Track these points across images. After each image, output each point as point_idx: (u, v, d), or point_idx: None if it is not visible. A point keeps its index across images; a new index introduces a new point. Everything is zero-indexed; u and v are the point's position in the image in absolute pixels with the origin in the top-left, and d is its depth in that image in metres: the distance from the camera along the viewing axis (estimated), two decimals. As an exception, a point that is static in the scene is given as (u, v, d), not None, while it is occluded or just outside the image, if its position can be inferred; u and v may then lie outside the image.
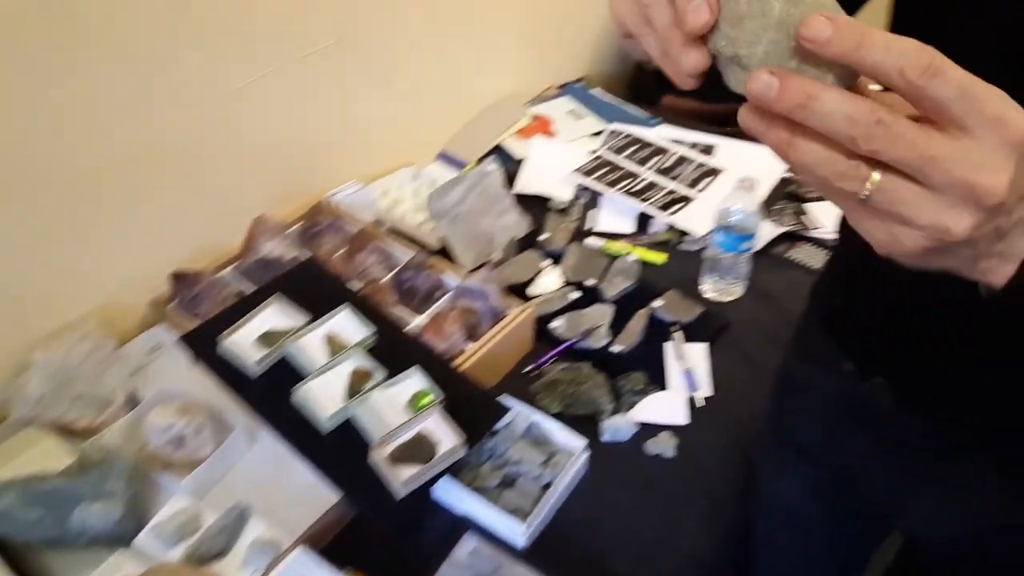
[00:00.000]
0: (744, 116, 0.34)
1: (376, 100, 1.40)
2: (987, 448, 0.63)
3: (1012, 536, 0.66)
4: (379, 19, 1.33)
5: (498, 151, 1.61)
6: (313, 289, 1.08)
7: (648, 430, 1.10)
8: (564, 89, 1.81)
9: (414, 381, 0.97)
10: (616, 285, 1.30)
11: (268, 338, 1.00)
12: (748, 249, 1.25)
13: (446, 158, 1.58)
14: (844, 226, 0.75)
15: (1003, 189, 0.32)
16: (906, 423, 0.68)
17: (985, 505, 0.66)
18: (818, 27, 0.31)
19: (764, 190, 1.51)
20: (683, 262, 1.38)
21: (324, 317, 1.02)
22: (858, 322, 0.71)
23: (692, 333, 1.24)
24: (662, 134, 1.66)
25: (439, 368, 0.99)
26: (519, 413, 1.03)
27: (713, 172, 1.55)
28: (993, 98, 0.31)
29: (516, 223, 1.40)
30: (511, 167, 1.57)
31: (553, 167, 1.55)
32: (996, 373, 0.58)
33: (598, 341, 1.21)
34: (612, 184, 1.52)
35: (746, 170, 1.52)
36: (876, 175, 0.33)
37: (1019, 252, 0.36)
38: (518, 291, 1.29)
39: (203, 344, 1.02)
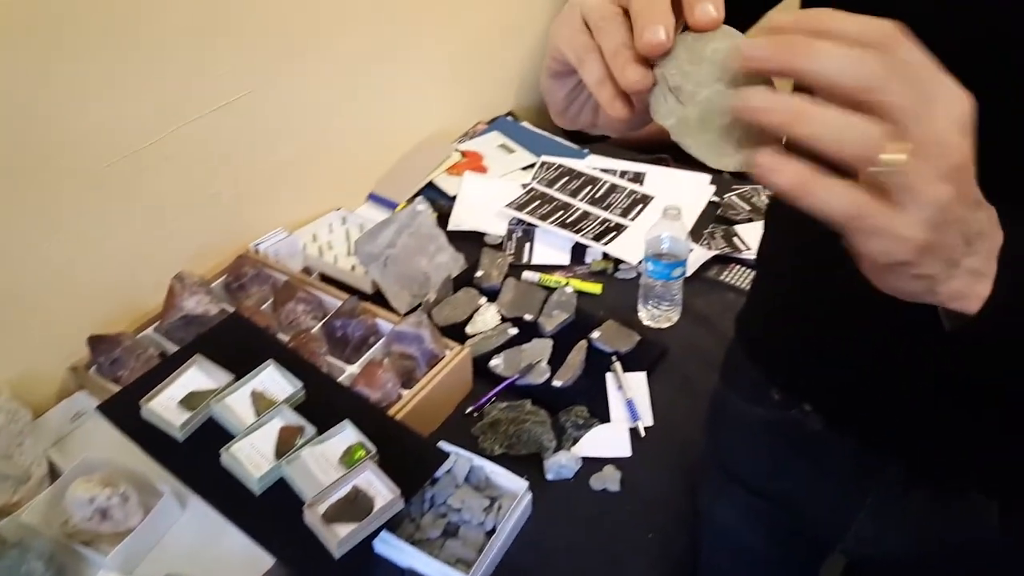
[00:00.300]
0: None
1: (299, 145, 1.38)
2: (918, 468, 0.64)
3: (949, 552, 0.66)
4: (297, 66, 1.32)
5: (430, 189, 1.60)
6: (238, 345, 1.04)
7: (593, 465, 1.09)
8: (493, 124, 1.82)
9: (346, 435, 0.94)
10: (554, 318, 1.30)
11: (191, 400, 0.97)
12: (680, 275, 1.26)
13: (376, 199, 1.57)
14: (762, 255, 0.76)
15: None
16: (837, 446, 0.68)
17: (921, 523, 0.66)
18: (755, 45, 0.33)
19: (693, 215, 1.53)
20: (620, 290, 1.39)
21: (249, 374, 0.98)
22: (780, 350, 0.71)
23: (631, 362, 1.24)
24: (592, 164, 1.68)
25: (373, 419, 0.97)
26: (459, 458, 1.01)
27: (644, 199, 1.57)
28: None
29: (451, 262, 1.39)
30: (444, 204, 1.56)
31: (486, 202, 1.55)
32: (919, 394, 0.58)
33: (539, 377, 1.20)
34: (545, 216, 1.52)
35: (675, 196, 1.55)
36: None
37: (991, 269, 0.37)
38: (456, 331, 1.28)
39: (123, 411, 0.98)
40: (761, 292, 0.76)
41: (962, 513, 0.63)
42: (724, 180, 1.63)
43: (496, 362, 1.22)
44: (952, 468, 0.62)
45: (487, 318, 1.29)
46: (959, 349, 0.44)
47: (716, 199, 1.59)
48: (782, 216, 0.70)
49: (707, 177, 1.64)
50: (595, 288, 1.39)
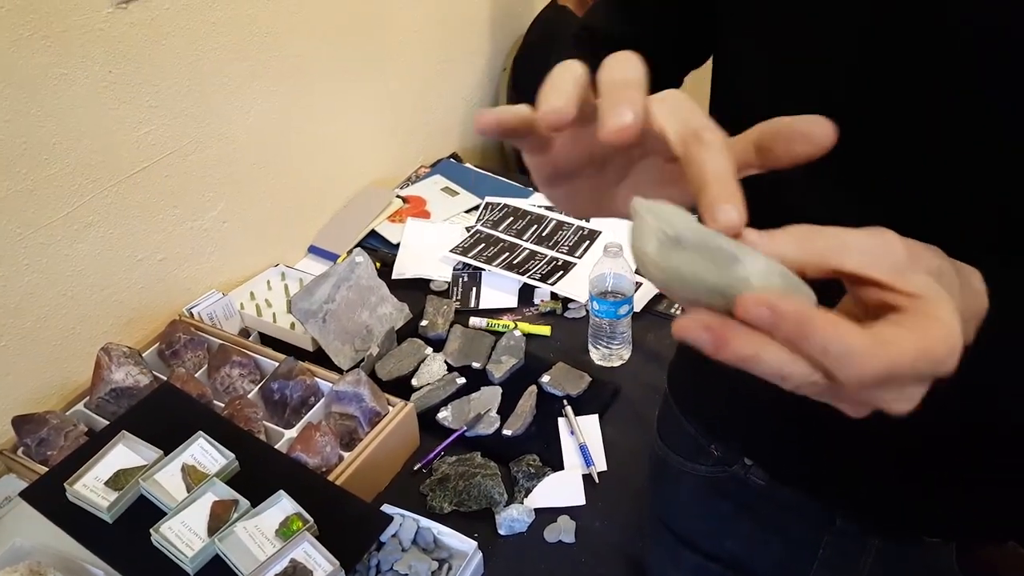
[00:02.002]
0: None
1: (231, 201, 1.37)
2: (868, 518, 0.64)
3: None
4: (223, 122, 1.31)
5: (373, 237, 1.60)
6: (168, 417, 1.02)
7: (546, 515, 1.08)
8: (436, 167, 1.83)
9: (282, 506, 0.92)
10: (503, 364, 1.29)
11: (118, 480, 0.94)
12: (628, 312, 1.27)
13: (316, 252, 1.56)
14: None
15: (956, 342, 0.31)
16: (783, 501, 0.67)
17: (876, 572, 0.65)
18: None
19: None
20: (570, 330, 1.39)
21: (179, 448, 0.96)
22: (712, 403, 0.71)
23: (583, 405, 1.24)
24: (538, 202, 1.69)
25: (311, 486, 0.95)
26: (405, 520, 0.99)
27: (592, 235, 1.58)
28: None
29: (394, 312, 1.38)
30: (388, 253, 1.56)
31: (430, 248, 1.56)
32: (859, 444, 0.58)
33: (488, 427, 1.19)
34: (491, 259, 1.53)
35: (623, 230, 1.57)
36: None
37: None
38: (402, 384, 1.26)
39: (48, 495, 0.95)
40: (685, 346, 0.75)
41: (918, 558, 0.63)
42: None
43: (444, 414, 1.21)
44: (903, 516, 0.61)
45: (433, 369, 1.28)
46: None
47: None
48: None
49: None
50: (544, 330, 1.39)
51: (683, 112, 0.34)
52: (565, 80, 0.34)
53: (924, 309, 0.30)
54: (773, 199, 0.49)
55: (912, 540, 0.62)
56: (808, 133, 0.33)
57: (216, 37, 1.25)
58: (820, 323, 0.28)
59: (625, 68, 0.34)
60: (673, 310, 1.42)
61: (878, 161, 0.46)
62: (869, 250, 0.31)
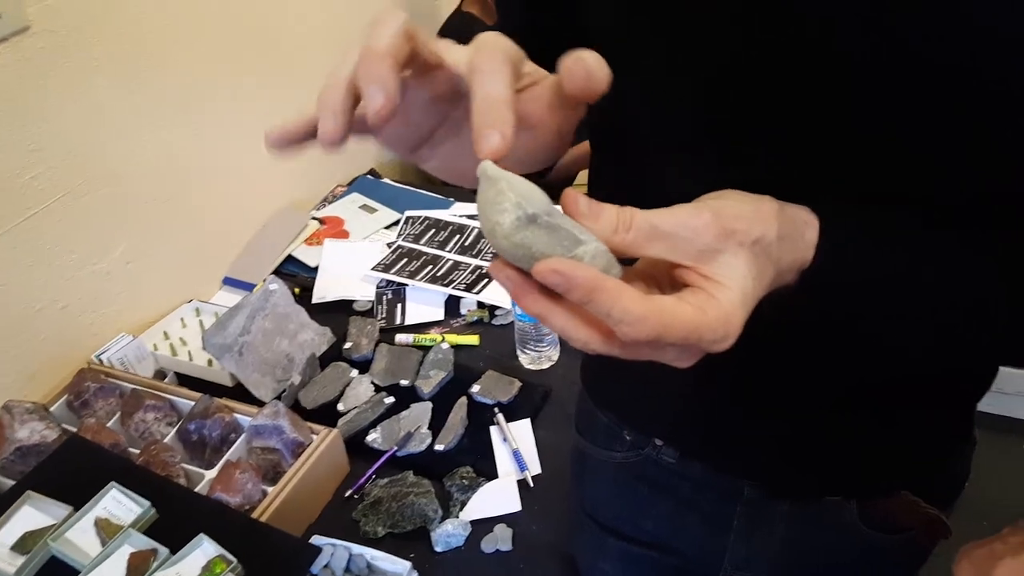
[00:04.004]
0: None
1: (135, 239, 1.35)
2: (773, 485, 0.66)
3: (819, 555, 0.69)
4: (118, 160, 1.29)
5: (290, 263, 1.58)
6: (78, 472, 1.00)
7: (483, 526, 1.08)
8: (352, 185, 1.83)
9: (204, 549, 0.90)
10: (432, 379, 1.30)
11: (25, 543, 0.91)
12: (550, 313, 1.28)
13: (231, 283, 1.54)
14: None
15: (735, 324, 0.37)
16: (693, 476, 0.70)
17: (788, 535, 0.69)
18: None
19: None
20: (498, 338, 1.40)
21: (90, 502, 0.94)
22: (619, 389, 0.73)
23: (515, 411, 1.25)
24: (458, 212, 1.70)
25: (234, 526, 0.94)
26: (336, 549, 0.99)
27: (513, 239, 1.59)
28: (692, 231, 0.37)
29: (316, 338, 1.37)
30: (307, 277, 1.55)
31: (350, 268, 1.55)
32: (755, 414, 0.61)
33: (419, 444, 1.19)
34: (414, 273, 1.53)
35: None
36: None
37: (807, 230, 0.42)
38: (328, 411, 1.26)
39: (-48, 568, 0.92)
40: None
41: (823, 517, 0.67)
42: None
43: (373, 437, 1.20)
44: (804, 479, 0.65)
45: (359, 392, 1.28)
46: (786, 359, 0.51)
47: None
48: None
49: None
50: (473, 339, 1.40)
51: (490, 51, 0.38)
52: (382, 67, 0.36)
53: (712, 292, 0.37)
54: (653, 174, 0.54)
55: (816, 501, 0.66)
56: (573, 72, 0.37)
57: (99, 73, 1.22)
58: (606, 290, 0.34)
59: (495, 71, 0.37)
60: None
61: (750, 140, 0.49)
62: (676, 235, 0.37)
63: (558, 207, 0.37)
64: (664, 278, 0.40)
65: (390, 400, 1.27)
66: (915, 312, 0.45)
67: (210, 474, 1.06)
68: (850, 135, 0.45)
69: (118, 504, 0.95)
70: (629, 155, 0.59)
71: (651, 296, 0.35)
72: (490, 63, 0.37)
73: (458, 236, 1.63)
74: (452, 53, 0.40)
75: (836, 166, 0.46)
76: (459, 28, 1.96)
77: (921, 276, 0.44)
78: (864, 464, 0.63)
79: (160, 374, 1.32)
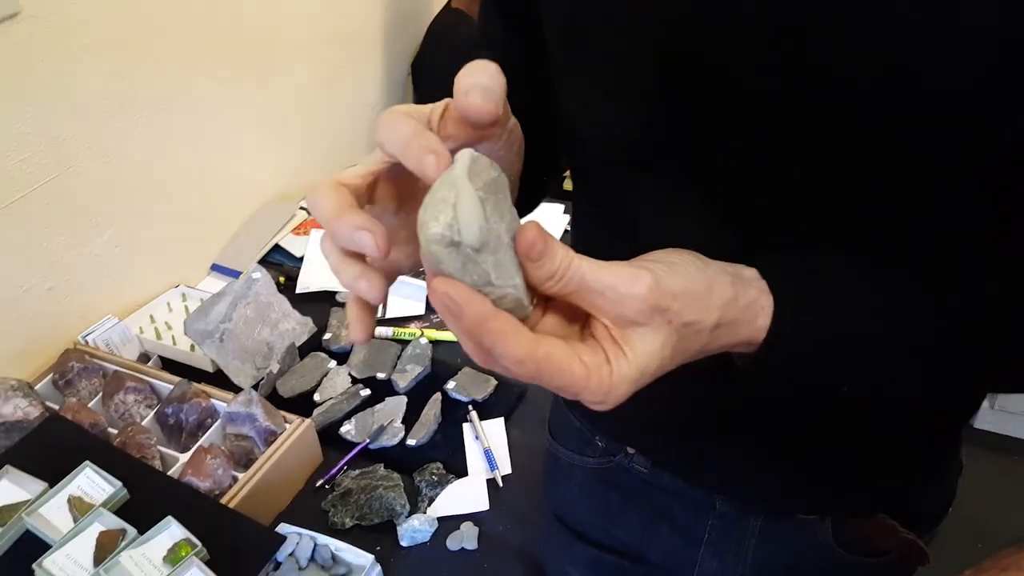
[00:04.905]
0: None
1: (124, 223, 1.38)
2: (745, 501, 0.68)
3: (791, 572, 0.70)
4: (110, 140, 1.32)
5: (277, 252, 1.62)
6: (56, 449, 1.03)
7: (450, 523, 1.12)
8: (345, 175, 1.85)
9: (171, 532, 0.94)
10: (408, 373, 1.33)
11: (2, 515, 0.95)
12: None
13: (219, 270, 1.58)
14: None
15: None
16: (665, 486, 0.71)
17: (759, 550, 0.69)
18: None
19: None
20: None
21: (64, 479, 0.98)
22: None
23: (489, 409, 1.28)
24: (448, 207, 1.73)
25: (202, 510, 0.97)
26: (301, 538, 1.02)
27: (500, 238, 1.62)
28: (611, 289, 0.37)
29: (298, 328, 1.41)
30: (293, 267, 1.58)
31: (337, 260, 1.58)
32: (729, 431, 0.62)
33: (392, 438, 1.23)
34: (400, 267, 1.56)
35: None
36: None
37: (756, 313, 0.42)
38: (305, 400, 1.29)
39: (-70, 537, 0.96)
40: None
41: (796, 534, 0.67)
42: (579, 210, 1.70)
43: (347, 428, 1.24)
44: (776, 495, 0.65)
45: (337, 383, 1.31)
46: (756, 386, 0.51)
47: (570, 228, 1.66)
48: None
49: (560, 206, 1.71)
50: (451, 335, 1.43)
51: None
52: (346, 230, 0.39)
53: (611, 357, 0.38)
54: (615, 199, 0.57)
55: (789, 519, 0.66)
56: (464, 108, 0.38)
57: (91, 59, 1.25)
58: (490, 330, 0.36)
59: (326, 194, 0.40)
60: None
61: (703, 164, 0.50)
62: (603, 295, 0.38)
63: (523, 222, 0.37)
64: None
65: (366, 392, 1.31)
66: (877, 373, 0.46)
67: (184, 458, 1.10)
68: (806, 153, 0.45)
69: (91, 483, 0.99)
70: (591, 180, 0.61)
71: (542, 339, 0.37)
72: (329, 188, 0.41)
73: (446, 232, 1.65)
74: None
75: (796, 185, 0.47)
76: (448, 25, 1.98)
77: (883, 341, 0.44)
78: (838, 483, 0.63)
79: (144, 357, 1.36)
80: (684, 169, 0.50)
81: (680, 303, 0.38)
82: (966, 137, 0.41)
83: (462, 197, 0.35)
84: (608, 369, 0.38)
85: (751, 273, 0.43)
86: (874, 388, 0.47)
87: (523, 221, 0.38)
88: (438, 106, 0.41)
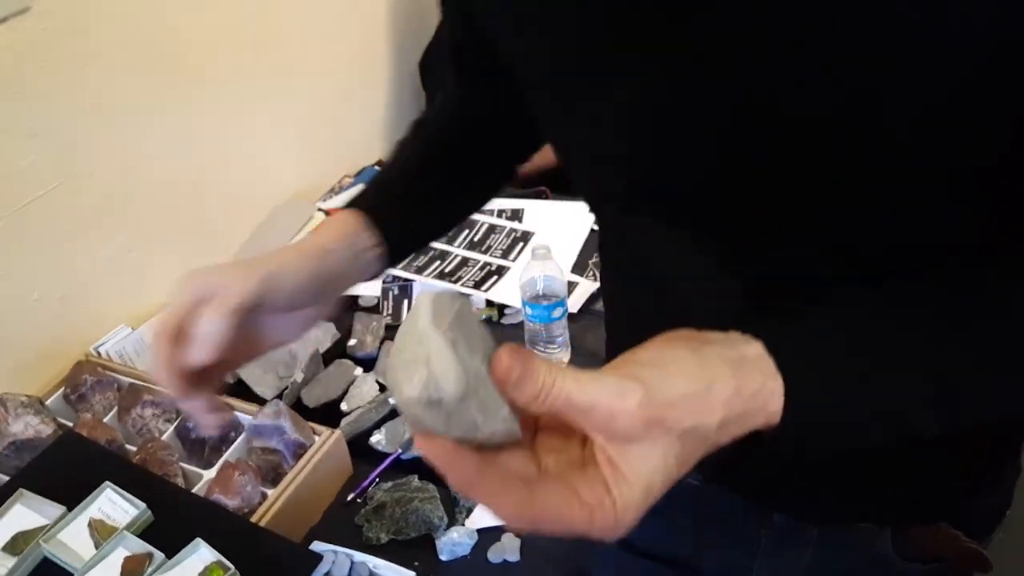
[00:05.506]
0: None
1: (136, 228, 1.33)
2: (802, 513, 0.65)
3: None
4: (118, 145, 1.27)
5: (294, 256, 1.56)
6: (72, 469, 0.98)
7: (490, 535, 1.06)
8: (359, 176, 1.81)
9: (200, 555, 0.89)
10: (438, 379, 1.28)
11: (16, 544, 0.90)
12: (562, 315, 1.27)
13: (235, 276, 1.52)
14: (609, 309, 0.76)
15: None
16: (719, 500, 0.69)
17: (817, 562, 0.67)
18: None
19: (576, 246, 1.54)
20: (508, 337, 1.38)
21: (83, 502, 0.93)
22: None
23: (524, 414, 1.23)
24: (468, 205, 1.68)
25: (232, 530, 0.92)
26: (337, 556, 0.97)
27: (525, 237, 1.57)
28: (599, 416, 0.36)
29: (320, 334, 1.35)
30: (311, 271, 1.53)
31: (356, 262, 1.53)
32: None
33: (424, 447, 1.17)
34: (422, 269, 1.51)
35: (556, 229, 1.57)
36: None
37: (765, 399, 0.39)
38: (331, 410, 1.24)
39: (-58, 566, 0.90)
40: (612, 346, 0.76)
41: (855, 544, 0.65)
42: (605, 205, 1.65)
43: (377, 438, 1.18)
44: (836, 507, 0.63)
45: (364, 391, 1.26)
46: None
47: (595, 227, 1.61)
48: (611, 265, 0.72)
49: (586, 206, 1.66)
50: (481, 339, 1.37)
51: None
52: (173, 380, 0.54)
53: (611, 485, 0.36)
54: (616, 235, 0.61)
55: (848, 527, 0.64)
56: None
57: (102, 57, 1.20)
58: (478, 487, 0.35)
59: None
60: (612, 308, 1.42)
61: (691, 203, 0.50)
62: (592, 412, 0.36)
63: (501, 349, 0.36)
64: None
65: (394, 400, 1.25)
66: (917, 413, 0.42)
67: (208, 474, 1.04)
68: (808, 171, 0.44)
69: (113, 505, 0.94)
70: (601, 220, 0.66)
71: (535, 490, 0.36)
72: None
73: (467, 231, 1.61)
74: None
75: (802, 209, 0.46)
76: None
77: (914, 384, 0.41)
78: (897, 492, 0.61)
79: (159, 368, 1.31)
80: (684, 212, 0.50)
81: (678, 411, 0.36)
82: (967, 137, 0.40)
83: (433, 351, 0.34)
84: (610, 501, 0.36)
85: (755, 351, 0.39)
86: (916, 425, 0.43)
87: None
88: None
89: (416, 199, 0.70)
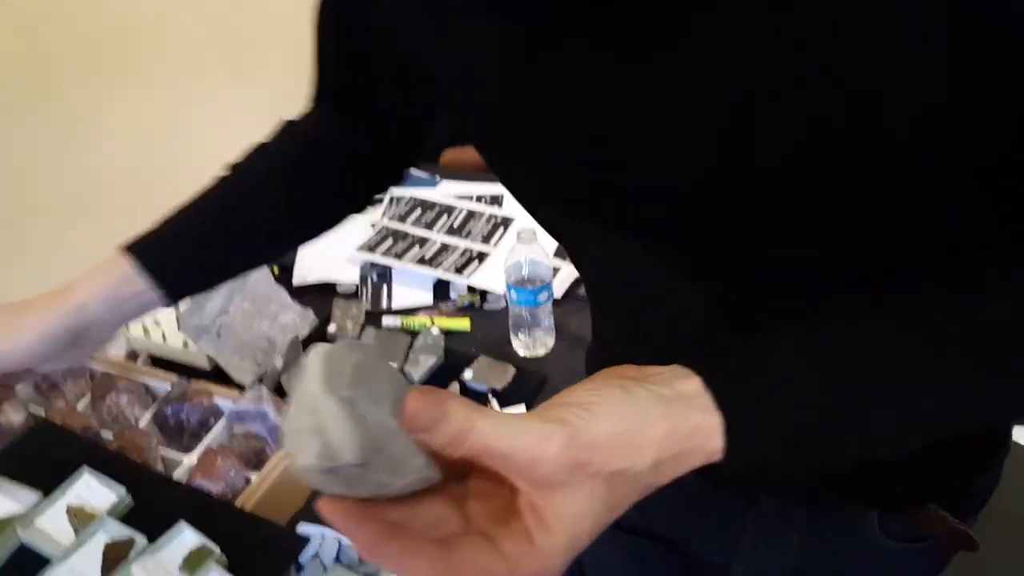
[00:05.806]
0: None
1: (106, 215, 1.29)
2: (789, 495, 0.65)
3: (835, 562, 0.68)
4: (91, 127, 1.24)
5: (270, 243, 1.54)
6: (47, 457, 0.95)
7: (478, 518, 1.05)
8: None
9: (184, 539, 0.86)
10: (422, 364, 1.27)
11: (-8, 531, 0.87)
12: (547, 299, 1.26)
13: (209, 263, 1.49)
14: (593, 295, 0.75)
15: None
16: (705, 482, 0.68)
17: (804, 542, 0.68)
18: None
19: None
20: (490, 323, 1.37)
21: (60, 488, 0.90)
22: None
23: (509, 397, 1.22)
24: (446, 191, 1.67)
25: (216, 514, 0.90)
26: (325, 538, 0.95)
27: (505, 222, 1.57)
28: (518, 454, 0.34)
29: (298, 320, 1.33)
30: (288, 258, 1.51)
31: (333, 249, 1.51)
32: None
33: (409, 431, 1.16)
34: (401, 255, 1.49)
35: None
36: None
37: (703, 433, 0.38)
38: (312, 396, 1.22)
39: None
40: (597, 325, 0.75)
41: (842, 525, 0.66)
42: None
43: (360, 423, 1.17)
44: (821, 491, 0.64)
45: (346, 376, 1.24)
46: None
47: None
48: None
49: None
50: (463, 324, 1.37)
51: None
52: None
53: (535, 534, 0.35)
54: (578, 248, 0.60)
55: (836, 508, 0.65)
56: None
57: (69, 60, 1.17)
58: (386, 554, 0.33)
59: None
60: (594, 292, 1.42)
61: (639, 215, 0.51)
62: (512, 459, 0.34)
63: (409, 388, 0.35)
64: None
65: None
66: (885, 429, 0.42)
67: (188, 459, 1.02)
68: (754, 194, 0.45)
69: (91, 490, 0.91)
70: (562, 243, 0.64)
71: (451, 547, 0.34)
72: None
73: (446, 216, 1.60)
74: None
75: (787, 218, 0.45)
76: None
77: (876, 402, 0.41)
78: (885, 475, 0.61)
79: (132, 356, 1.28)
80: (681, 215, 0.49)
81: (604, 453, 0.35)
82: (967, 137, 0.40)
83: (328, 419, 0.32)
84: (534, 552, 0.34)
85: (693, 388, 0.38)
86: (887, 439, 0.43)
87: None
88: None
89: (207, 240, 0.70)
